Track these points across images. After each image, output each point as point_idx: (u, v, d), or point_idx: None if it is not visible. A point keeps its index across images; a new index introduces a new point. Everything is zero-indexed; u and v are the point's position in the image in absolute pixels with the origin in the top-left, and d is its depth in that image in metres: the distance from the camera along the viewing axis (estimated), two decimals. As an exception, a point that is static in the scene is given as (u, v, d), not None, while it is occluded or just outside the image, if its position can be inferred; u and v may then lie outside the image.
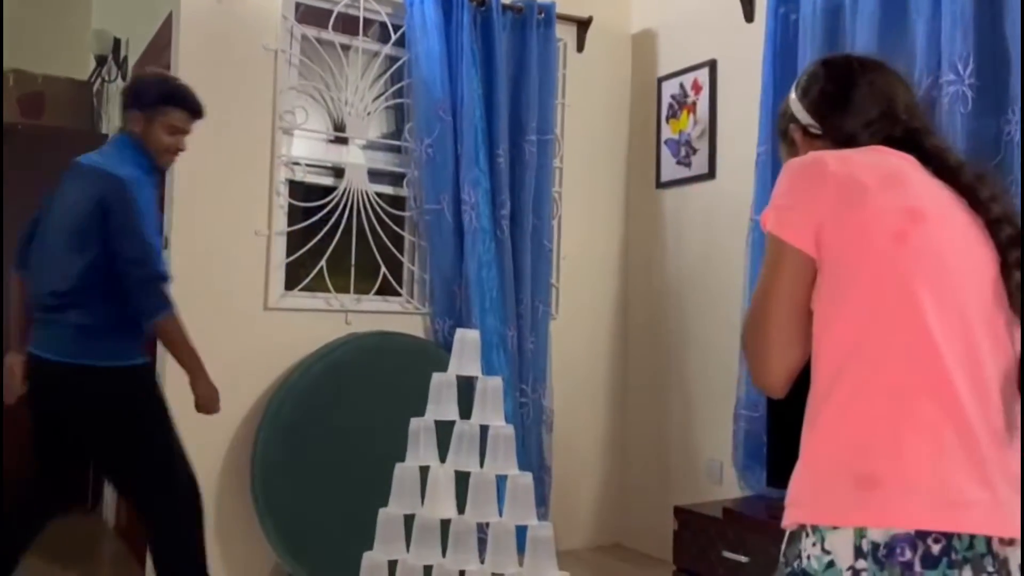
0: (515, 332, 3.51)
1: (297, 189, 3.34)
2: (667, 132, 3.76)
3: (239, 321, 3.14)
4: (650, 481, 3.77)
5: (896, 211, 0.99)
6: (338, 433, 3.05)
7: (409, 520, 2.28)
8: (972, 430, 0.92)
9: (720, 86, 3.54)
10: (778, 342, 1.01)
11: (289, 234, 3.27)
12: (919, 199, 1.01)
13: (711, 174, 3.55)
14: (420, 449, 2.26)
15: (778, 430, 2.64)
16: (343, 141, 3.45)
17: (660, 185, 3.80)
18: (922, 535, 0.89)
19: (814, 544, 0.92)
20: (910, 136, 1.12)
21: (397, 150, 3.54)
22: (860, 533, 0.89)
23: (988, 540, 0.90)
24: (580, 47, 3.84)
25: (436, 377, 2.31)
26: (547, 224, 3.63)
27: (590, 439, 3.85)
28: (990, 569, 0.90)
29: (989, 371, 0.96)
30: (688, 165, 3.65)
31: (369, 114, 3.46)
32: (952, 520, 0.89)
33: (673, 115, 3.73)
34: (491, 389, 2.21)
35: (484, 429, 2.24)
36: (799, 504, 0.96)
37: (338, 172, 3.43)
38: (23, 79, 4.34)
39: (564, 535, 3.35)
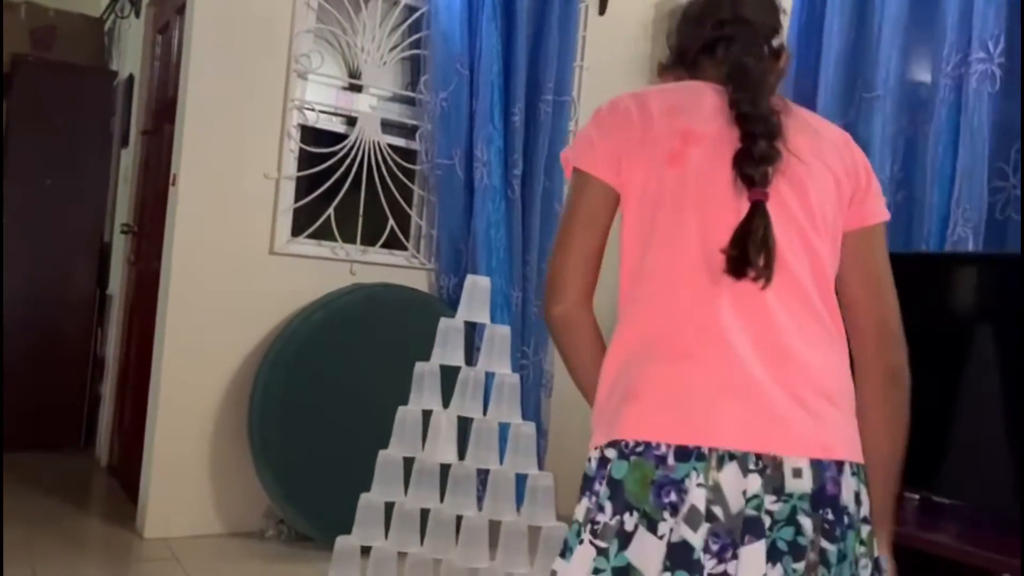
0: (520, 293, 3.49)
1: (308, 134, 3.30)
2: (684, 102, 3.72)
3: (244, 264, 3.11)
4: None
5: (672, 134, 1.03)
6: (338, 381, 3.03)
7: (408, 464, 2.26)
8: (735, 352, 0.95)
9: (742, 58, 3.49)
10: (576, 264, 1.07)
11: (298, 179, 3.24)
12: (697, 122, 1.03)
13: (727, 146, 3.51)
14: (424, 393, 2.24)
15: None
16: (357, 89, 3.41)
17: (674, 156, 3.76)
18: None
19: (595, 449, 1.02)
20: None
21: (411, 102, 3.50)
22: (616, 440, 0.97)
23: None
24: (602, 10, 3.79)
25: (444, 322, 2.29)
26: (559, 187, 3.59)
27: (587, 405, 3.82)
28: (752, 467, 0.92)
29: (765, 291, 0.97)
30: (704, 136, 3.61)
31: (385, 64, 3.42)
32: (699, 436, 0.92)
33: (692, 85, 3.69)
34: (499, 337, 2.19)
35: (489, 377, 2.22)
36: (593, 429, 1.06)
37: (351, 120, 3.39)
38: (34, 12, 4.28)
39: (559, 499, 3.34)
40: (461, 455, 2.23)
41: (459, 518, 2.14)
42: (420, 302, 3.30)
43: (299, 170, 3.24)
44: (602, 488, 0.97)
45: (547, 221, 3.55)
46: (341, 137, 3.34)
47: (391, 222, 3.40)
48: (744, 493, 0.92)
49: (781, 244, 0.98)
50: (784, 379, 0.96)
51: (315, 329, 3.04)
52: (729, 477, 0.91)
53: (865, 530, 0.99)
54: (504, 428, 2.20)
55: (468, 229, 3.40)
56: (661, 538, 0.91)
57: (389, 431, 2.31)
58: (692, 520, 0.90)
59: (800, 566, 0.91)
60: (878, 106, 2.75)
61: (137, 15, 4.02)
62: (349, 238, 3.34)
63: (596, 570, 0.93)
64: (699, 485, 0.91)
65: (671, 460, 0.92)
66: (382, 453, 2.25)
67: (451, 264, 3.40)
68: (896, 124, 2.72)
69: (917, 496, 2.35)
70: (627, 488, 0.94)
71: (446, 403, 2.27)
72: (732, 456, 0.92)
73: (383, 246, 3.40)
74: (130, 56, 4.16)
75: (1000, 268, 2.25)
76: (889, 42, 2.74)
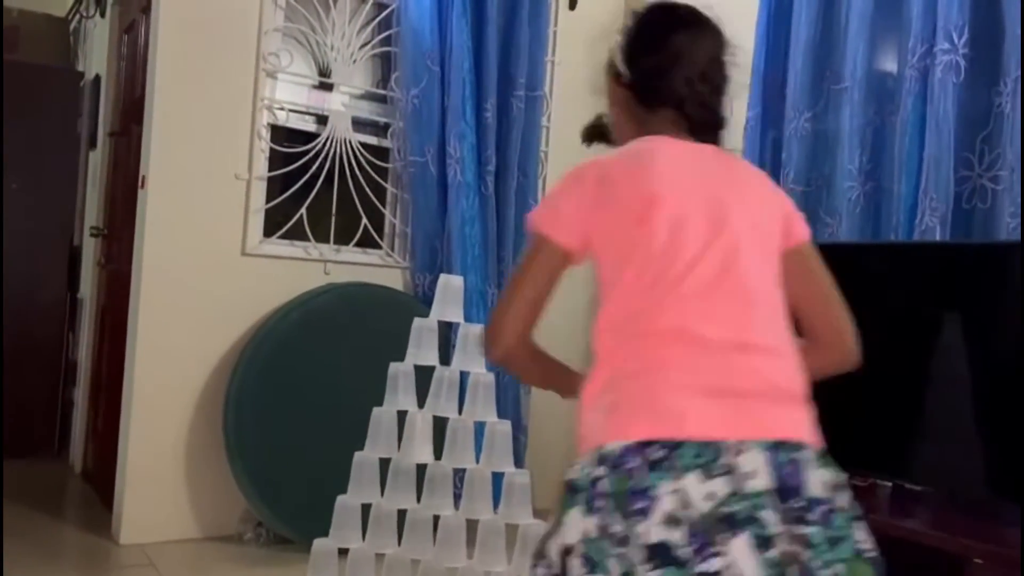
0: (496, 290, 3.48)
1: (279, 134, 3.27)
2: (656, 96, 3.72)
3: (216, 266, 3.09)
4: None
5: (636, 199, 1.14)
6: (313, 381, 3.01)
7: (384, 465, 2.26)
8: (704, 363, 1.06)
9: (712, 50, 3.50)
10: (517, 317, 1.18)
11: (269, 179, 3.21)
12: (659, 184, 1.14)
13: (699, 139, 3.52)
14: (399, 394, 2.23)
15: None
16: (328, 87, 3.38)
17: (647, 149, 3.77)
18: (644, 445, 1.01)
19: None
20: (692, 101, 1.23)
21: (383, 99, 3.48)
22: (600, 448, 1.04)
23: (717, 449, 1.01)
24: (572, 4, 3.78)
25: (417, 322, 2.28)
26: (533, 183, 3.59)
27: (566, 402, 3.84)
28: (716, 472, 1.00)
29: (733, 306, 1.10)
30: (676, 129, 3.62)
31: (355, 61, 3.39)
32: (667, 431, 1.02)
33: (663, 78, 3.69)
34: (473, 336, 2.19)
35: (464, 376, 2.22)
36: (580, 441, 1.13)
37: (321, 119, 3.37)
38: (-3, 12, 4.21)
39: (537, 496, 3.34)
40: (437, 455, 2.22)
41: (436, 518, 2.14)
42: (396, 301, 3.29)
43: (270, 170, 3.21)
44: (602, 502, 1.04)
45: (521, 217, 3.54)
46: (312, 136, 3.32)
47: (364, 221, 3.39)
48: (710, 495, 0.99)
49: (747, 264, 1.13)
50: (751, 378, 1.07)
51: (289, 330, 3.02)
52: (694, 483, 0.99)
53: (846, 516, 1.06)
54: (480, 427, 2.20)
55: (442, 226, 3.39)
56: (639, 542, 0.99)
57: (365, 432, 2.30)
58: (668, 522, 0.99)
59: (773, 554, 0.98)
60: (846, 97, 2.77)
61: (103, 15, 3.97)
62: (322, 238, 3.32)
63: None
64: (669, 491, 0.99)
65: (643, 471, 1.01)
66: (358, 455, 2.25)
67: (426, 262, 3.39)
68: (864, 115, 2.74)
69: (890, 483, 2.38)
70: (617, 497, 1.02)
71: (421, 403, 2.27)
72: (697, 465, 1.00)
73: (357, 245, 3.39)
74: (96, 56, 4.10)
75: (970, 256, 2.27)
76: (856, 34, 2.76)
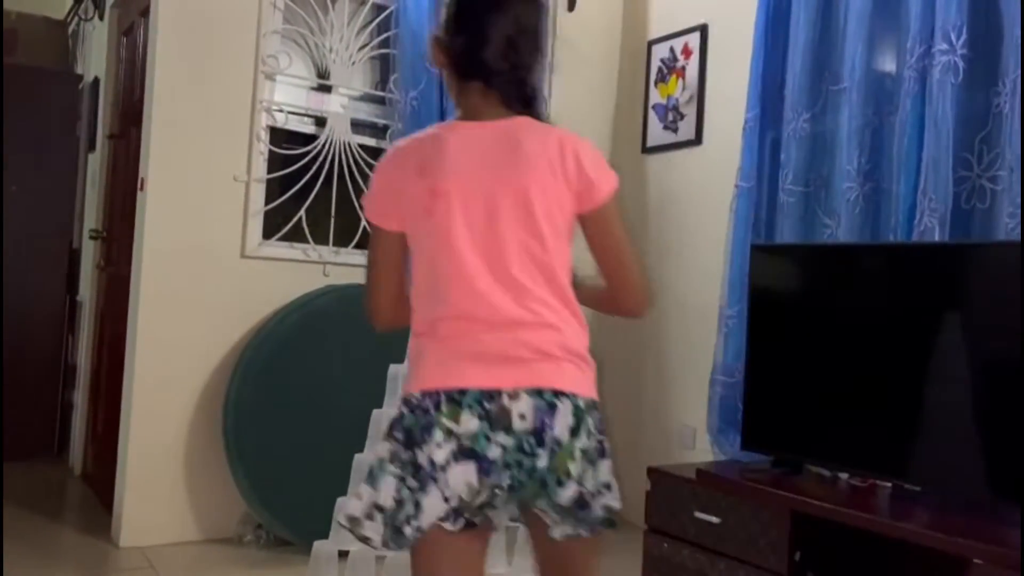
0: (495, 291, 3.48)
1: (278, 136, 3.28)
2: (655, 97, 3.73)
3: (215, 267, 3.09)
4: (622, 446, 3.78)
5: (424, 192, 1.32)
6: (313, 383, 3.01)
7: (384, 467, 2.25)
8: (483, 328, 1.28)
9: (711, 51, 3.51)
10: (384, 286, 1.40)
11: (268, 182, 3.22)
12: (443, 180, 1.32)
13: (698, 140, 3.53)
14: (398, 395, 2.23)
15: (755, 394, 2.65)
16: (327, 89, 3.38)
17: (646, 150, 3.78)
18: (436, 392, 1.26)
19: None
20: (499, 77, 1.36)
21: (381, 101, 3.48)
22: (407, 395, 1.30)
23: (492, 394, 1.25)
24: (571, 6, 3.79)
25: (416, 324, 2.28)
26: (531, 184, 3.59)
27: (565, 402, 3.84)
28: (488, 410, 1.24)
29: (506, 285, 1.30)
30: (675, 131, 3.63)
31: (354, 63, 3.40)
32: (455, 382, 1.26)
33: (662, 79, 3.70)
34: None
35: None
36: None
37: (320, 121, 3.37)
38: (-4, 15, 4.21)
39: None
40: (437, 456, 2.22)
41: (436, 519, 2.13)
42: (394, 302, 3.28)
43: (269, 172, 3.21)
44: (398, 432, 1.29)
45: (520, 218, 3.55)
46: (311, 138, 3.32)
47: (364, 223, 3.38)
48: (480, 427, 1.24)
49: (518, 250, 1.32)
50: (523, 348, 1.28)
51: (289, 332, 3.03)
52: (470, 417, 1.24)
53: (578, 447, 1.28)
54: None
55: (441, 228, 3.38)
56: (421, 462, 1.25)
57: (365, 433, 2.30)
58: (443, 444, 1.24)
59: (514, 471, 1.25)
60: (845, 98, 2.78)
61: (101, 17, 3.97)
62: (321, 239, 3.32)
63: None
64: (446, 427, 1.24)
65: (432, 409, 1.25)
66: (357, 456, 2.25)
67: (425, 263, 3.39)
68: (863, 116, 2.74)
69: (890, 484, 2.38)
70: (412, 431, 1.27)
71: (421, 404, 2.26)
72: (473, 405, 1.24)
73: (356, 247, 3.39)
74: (95, 59, 4.10)
75: (969, 257, 2.28)
76: (855, 35, 2.77)
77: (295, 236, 3.28)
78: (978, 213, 2.44)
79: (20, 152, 4.02)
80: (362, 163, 3.38)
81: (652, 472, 2.72)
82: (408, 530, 1.25)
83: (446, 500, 1.24)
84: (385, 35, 3.42)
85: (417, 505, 1.24)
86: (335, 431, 2.80)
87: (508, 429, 1.24)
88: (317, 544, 2.22)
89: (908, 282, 2.35)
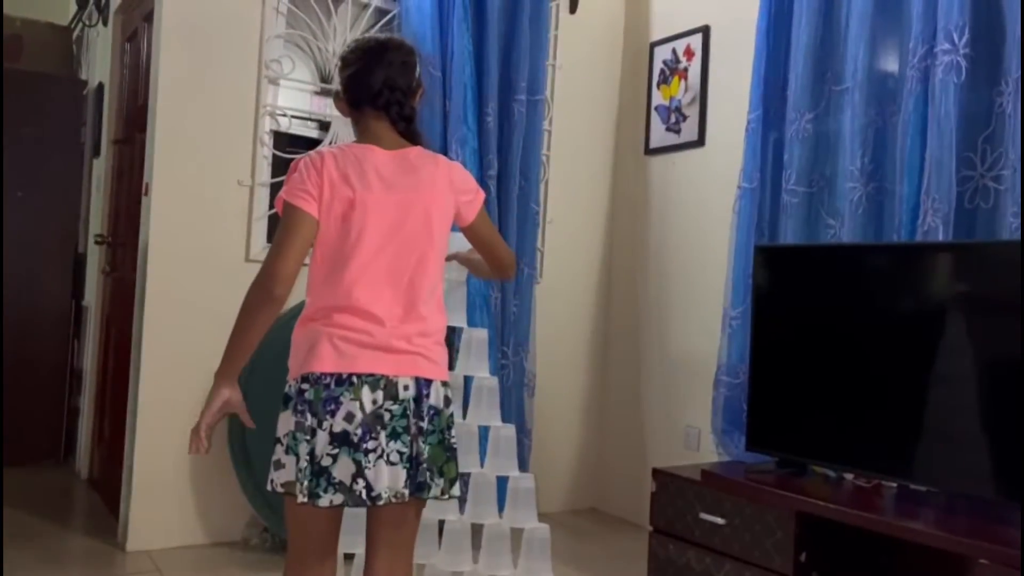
0: (499, 294, 3.49)
1: (281, 140, 3.28)
2: (658, 98, 3.74)
3: (220, 272, 3.09)
4: (628, 448, 3.78)
5: (343, 200, 1.59)
6: (318, 387, 3.01)
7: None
8: (373, 329, 1.58)
9: (713, 53, 3.51)
10: (294, 257, 1.58)
11: (272, 186, 3.22)
12: (358, 191, 1.60)
13: (700, 141, 3.53)
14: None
15: (759, 395, 2.65)
16: (330, 93, 3.39)
17: (648, 152, 3.78)
18: (331, 373, 1.57)
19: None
20: (387, 105, 1.67)
21: (385, 105, 3.48)
22: (307, 373, 1.59)
23: (381, 377, 1.58)
24: (573, 8, 3.80)
25: (421, 328, 2.28)
26: (535, 187, 3.60)
27: (569, 403, 3.85)
28: (380, 387, 1.56)
29: (397, 290, 1.62)
30: (677, 132, 3.63)
31: (357, 67, 3.40)
32: (349, 367, 1.56)
33: (664, 81, 3.71)
34: (476, 340, 2.19)
35: (468, 380, 2.22)
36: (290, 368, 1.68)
37: (324, 125, 3.38)
38: (0, 21, 4.23)
39: (541, 499, 3.35)
40: (442, 459, 2.22)
41: (441, 522, 2.13)
42: (399, 305, 3.29)
43: (273, 176, 3.22)
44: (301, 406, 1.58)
45: (523, 221, 3.56)
46: (315, 142, 3.33)
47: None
48: (374, 402, 1.56)
49: (410, 256, 1.63)
50: (403, 342, 1.60)
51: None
52: (365, 393, 1.55)
53: (447, 414, 1.66)
54: (484, 431, 2.20)
55: (445, 231, 3.38)
56: (326, 430, 1.54)
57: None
58: (346, 419, 1.54)
59: (407, 438, 1.57)
60: (847, 98, 2.78)
61: (105, 23, 3.99)
62: (325, 243, 3.32)
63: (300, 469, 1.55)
64: (349, 400, 1.55)
65: (333, 385, 1.55)
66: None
67: (429, 266, 3.39)
68: (865, 116, 2.74)
69: (894, 484, 2.38)
70: (312, 403, 1.56)
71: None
72: (368, 384, 1.56)
73: (360, 250, 3.39)
74: (99, 64, 4.12)
75: (973, 256, 2.28)
76: (857, 35, 2.77)
77: (299, 240, 3.28)
78: (982, 213, 2.44)
79: (25, 157, 4.03)
80: (365, 167, 3.38)
81: (657, 473, 2.72)
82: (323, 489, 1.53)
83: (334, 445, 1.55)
84: (388, 39, 3.42)
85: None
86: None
87: (395, 399, 1.57)
88: (323, 547, 2.22)
89: (911, 282, 2.35)
